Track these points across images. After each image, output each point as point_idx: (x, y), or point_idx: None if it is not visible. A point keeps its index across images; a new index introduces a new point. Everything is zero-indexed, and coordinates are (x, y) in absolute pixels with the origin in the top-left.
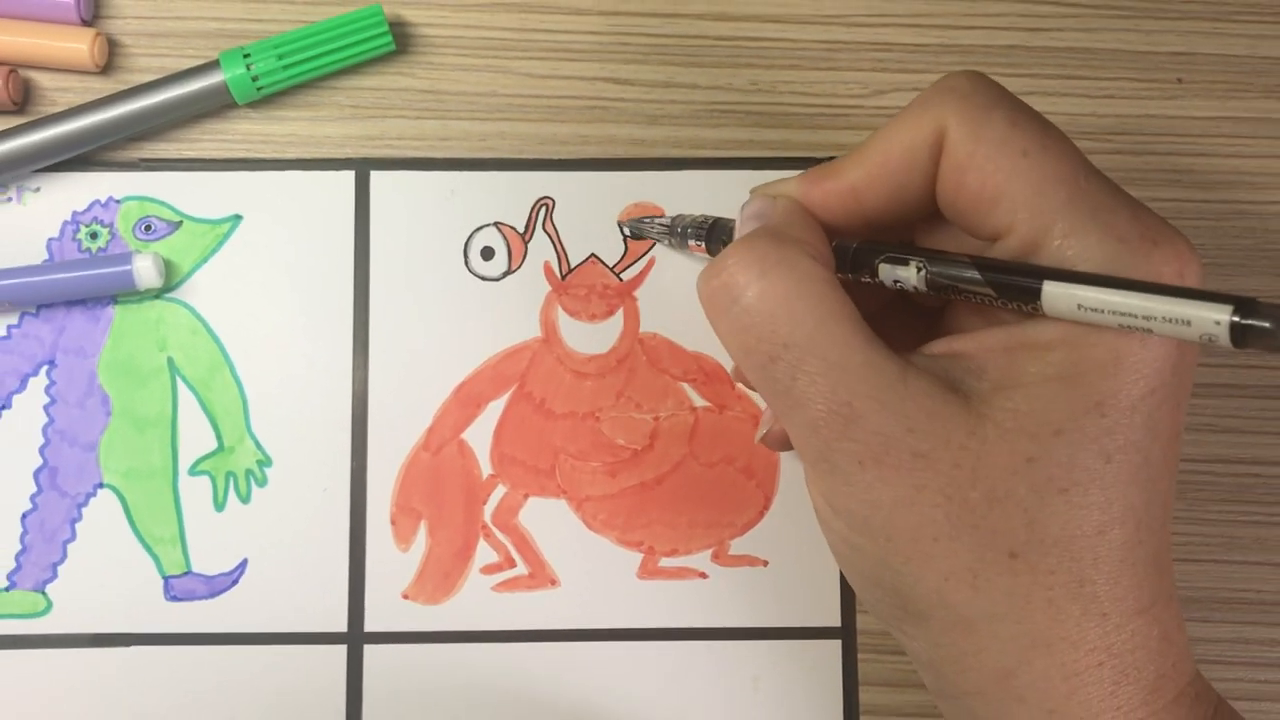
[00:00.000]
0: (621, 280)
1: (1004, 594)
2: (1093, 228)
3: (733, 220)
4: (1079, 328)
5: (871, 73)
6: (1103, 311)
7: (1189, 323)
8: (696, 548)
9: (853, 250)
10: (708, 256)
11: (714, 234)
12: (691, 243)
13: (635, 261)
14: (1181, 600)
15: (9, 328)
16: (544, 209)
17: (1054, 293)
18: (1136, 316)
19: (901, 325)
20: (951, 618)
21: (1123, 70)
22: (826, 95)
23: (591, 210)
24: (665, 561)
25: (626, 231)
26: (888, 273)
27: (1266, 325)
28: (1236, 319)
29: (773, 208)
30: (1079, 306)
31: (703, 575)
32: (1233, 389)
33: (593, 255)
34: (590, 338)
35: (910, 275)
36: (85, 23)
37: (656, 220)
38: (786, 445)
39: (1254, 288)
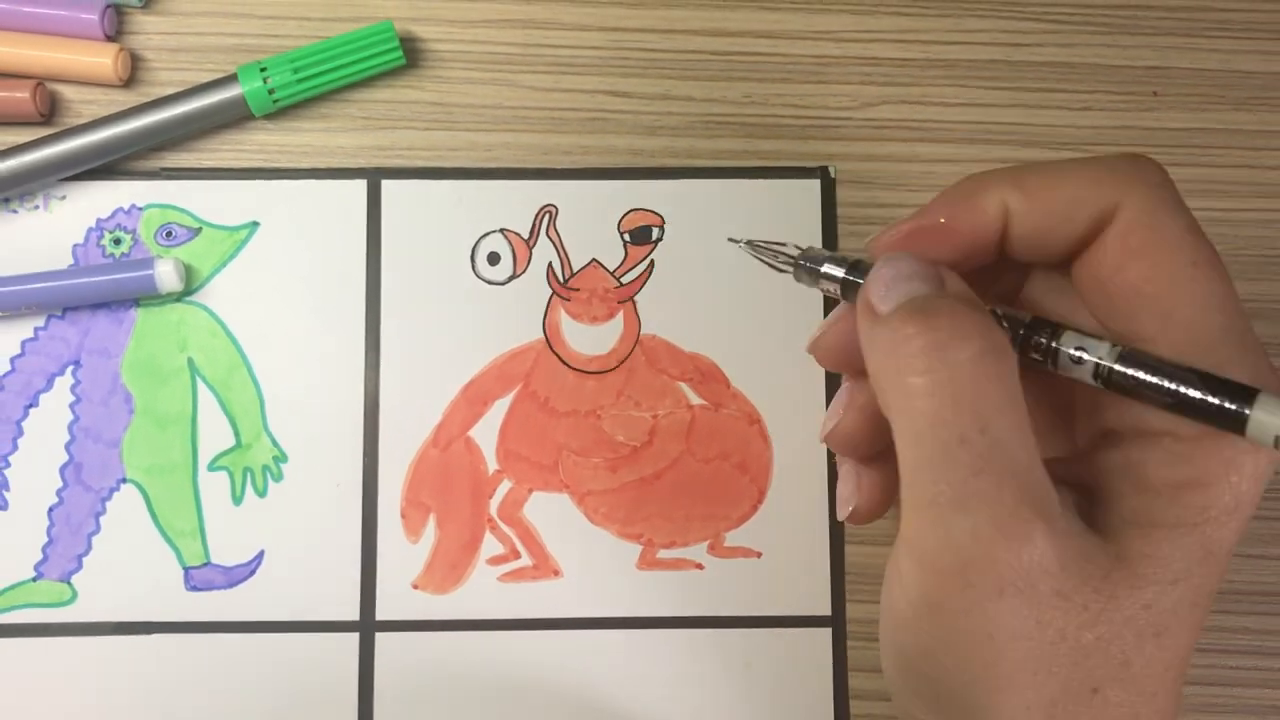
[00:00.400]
0: (622, 284)
1: None
2: (1244, 363)
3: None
4: (1221, 466)
5: (860, 86)
6: None
7: None
8: (693, 540)
9: (1023, 329)
10: (835, 294)
11: (855, 273)
12: (824, 285)
13: (635, 266)
14: None
15: (36, 330)
16: (547, 216)
17: (1262, 420)
18: None
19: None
20: None
21: (1100, 84)
22: (817, 107)
23: (593, 217)
24: (663, 553)
25: (748, 251)
26: (1065, 365)
27: None
28: None
29: (941, 278)
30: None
31: (699, 566)
32: None
33: (594, 260)
34: (592, 339)
35: (1085, 377)
36: (109, 38)
37: (782, 246)
38: (876, 514)
39: None
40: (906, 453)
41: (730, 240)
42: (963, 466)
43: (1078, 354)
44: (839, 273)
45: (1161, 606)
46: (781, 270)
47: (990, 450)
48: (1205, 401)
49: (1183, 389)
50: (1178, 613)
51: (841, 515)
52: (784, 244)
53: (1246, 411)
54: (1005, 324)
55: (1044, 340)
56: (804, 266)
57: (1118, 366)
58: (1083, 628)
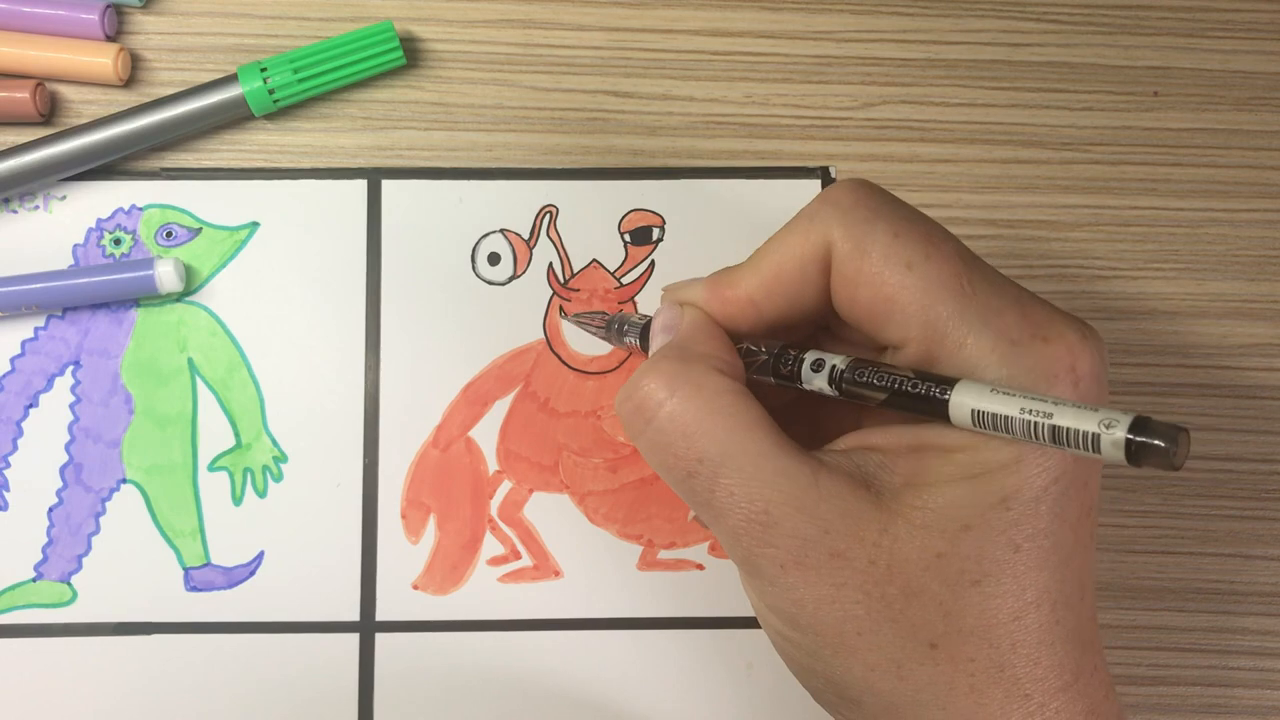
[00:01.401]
0: (622, 285)
1: (927, 682)
2: (984, 333)
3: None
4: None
5: (860, 86)
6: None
7: (1084, 446)
8: (694, 540)
9: (771, 357)
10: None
11: (645, 333)
12: (629, 340)
13: (635, 267)
14: (1158, 592)
15: (36, 330)
16: (548, 216)
17: (958, 414)
18: (1033, 439)
19: (814, 414)
20: (881, 704)
21: (1101, 84)
22: (818, 107)
23: (593, 218)
24: (664, 554)
25: (573, 323)
26: (807, 377)
27: (1160, 444)
28: (1131, 437)
29: (680, 319)
30: (976, 424)
31: (699, 567)
32: (1206, 389)
33: (594, 261)
34: (592, 340)
35: (823, 385)
36: (109, 39)
37: (595, 316)
38: None
39: (1227, 292)
40: (672, 489)
41: (560, 317)
42: (701, 493)
43: (814, 373)
44: (634, 335)
45: (963, 554)
46: (599, 337)
47: (715, 472)
48: (914, 396)
49: (896, 386)
50: (993, 558)
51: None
52: (596, 313)
53: (946, 398)
54: (763, 353)
55: (788, 364)
56: (611, 329)
57: (845, 376)
58: (881, 582)
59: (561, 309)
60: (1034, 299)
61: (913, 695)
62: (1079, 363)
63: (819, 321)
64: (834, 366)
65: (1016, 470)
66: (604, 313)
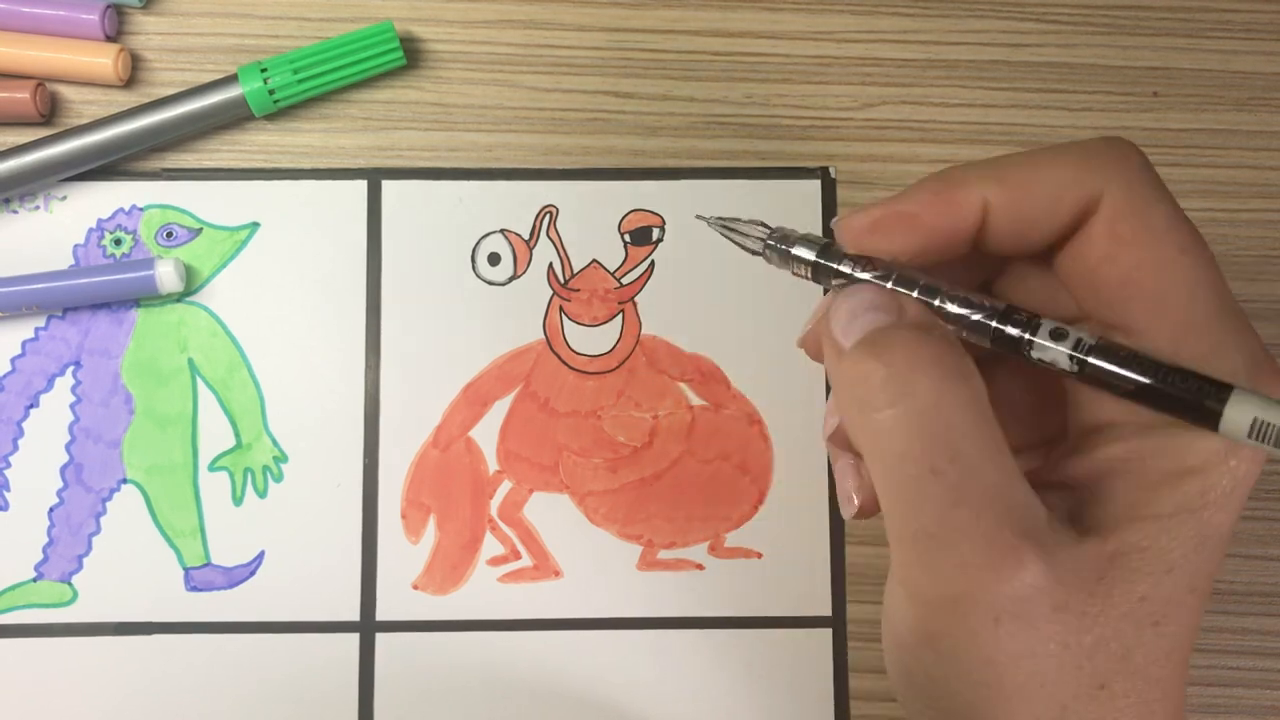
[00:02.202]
0: (622, 285)
1: None
2: (1238, 346)
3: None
4: (1219, 453)
5: (861, 86)
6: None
7: None
8: (694, 540)
9: (997, 314)
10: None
11: (826, 256)
12: (795, 268)
13: (635, 267)
14: None
15: (37, 330)
16: (548, 216)
17: (1233, 423)
18: None
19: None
20: None
21: (1101, 84)
22: (818, 108)
23: (593, 218)
24: (664, 554)
25: (717, 229)
26: (1040, 347)
27: None
28: None
29: (891, 302)
30: (1254, 433)
31: (699, 567)
32: None
33: (594, 261)
34: (592, 340)
35: (1061, 358)
36: (109, 39)
37: (749, 225)
38: (873, 511)
39: None
40: (880, 487)
41: (699, 218)
42: (938, 499)
43: (1053, 342)
44: (810, 255)
45: (1158, 597)
46: (752, 252)
47: (964, 479)
48: (1178, 396)
49: (1155, 382)
50: (1175, 600)
51: (846, 513)
52: (755, 223)
53: (1220, 408)
54: (979, 313)
55: (1019, 330)
56: (774, 247)
57: (1091, 359)
58: (1082, 632)
59: (707, 219)
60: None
61: None
62: None
63: (996, 264)
64: (1080, 339)
65: (1227, 506)
66: (764, 224)
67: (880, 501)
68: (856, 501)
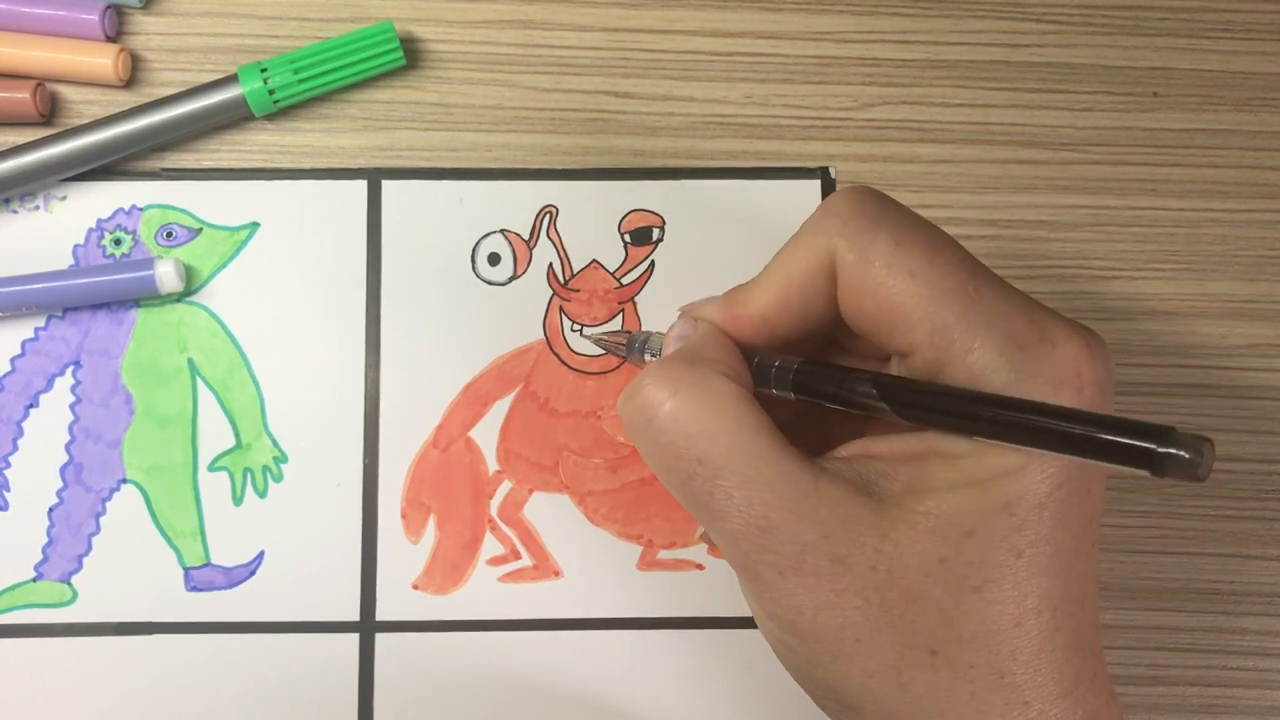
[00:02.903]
0: (622, 285)
1: (927, 689)
2: (991, 338)
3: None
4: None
5: (861, 86)
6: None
7: (1104, 456)
8: (694, 540)
9: (773, 369)
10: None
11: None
12: (648, 357)
13: (635, 267)
14: (1157, 592)
15: (37, 330)
16: (548, 217)
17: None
18: (1048, 449)
19: (820, 427)
20: (880, 711)
21: (1101, 84)
22: (818, 108)
23: (593, 218)
24: (664, 554)
25: (595, 342)
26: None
27: (1185, 455)
28: (1155, 448)
29: (693, 330)
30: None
31: (699, 567)
32: (1205, 389)
33: (594, 261)
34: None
35: (870, 393)
36: (109, 39)
37: (615, 334)
38: None
39: (1227, 292)
40: (671, 493)
41: (573, 331)
42: (700, 495)
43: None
44: (655, 353)
45: (965, 559)
46: (621, 357)
47: (715, 474)
48: (913, 415)
49: (890, 415)
50: (996, 563)
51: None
52: (618, 331)
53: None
54: (784, 364)
55: (785, 380)
56: (633, 349)
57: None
58: (882, 588)
59: (581, 330)
60: (1039, 305)
61: (912, 702)
62: (1085, 369)
63: (830, 334)
64: (834, 384)
65: (1021, 476)
66: (628, 331)
67: None
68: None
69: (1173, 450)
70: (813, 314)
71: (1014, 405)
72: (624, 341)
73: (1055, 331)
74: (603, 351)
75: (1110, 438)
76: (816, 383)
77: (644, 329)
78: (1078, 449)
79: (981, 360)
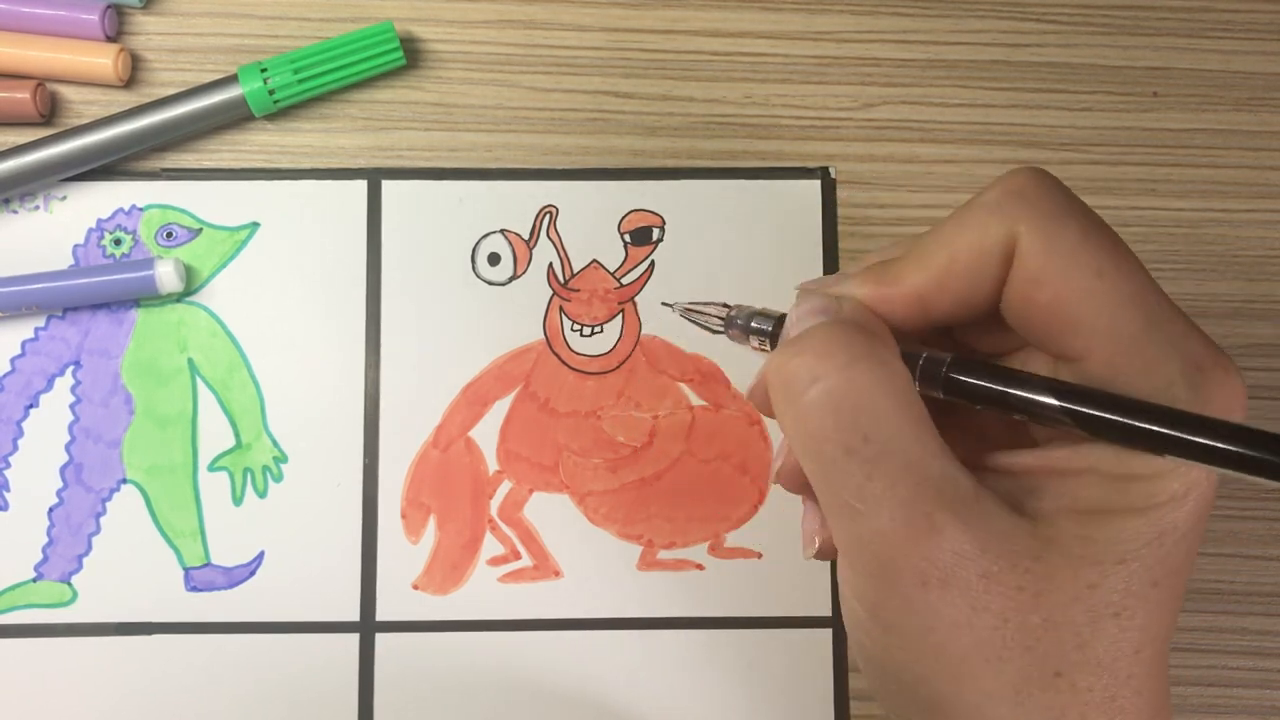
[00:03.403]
0: (622, 285)
1: (1042, 709)
2: (1174, 357)
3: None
4: (1161, 461)
5: (861, 86)
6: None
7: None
8: (694, 541)
9: (920, 361)
10: (766, 352)
11: (779, 327)
12: (754, 341)
13: (635, 267)
14: None
15: (37, 330)
16: (548, 216)
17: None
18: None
19: (951, 434)
20: None
21: (1101, 84)
22: (818, 108)
23: (593, 218)
24: (664, 554)
25: (681, 315)
26: (1022, 392)
27: None
28: None
29: (837, 308)
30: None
31: (699, 567)
32: None
33: (594, 261)
34: (592, 340)
35: (1047, 398)
36: (109, 39)
37: (711, 307)
38: (832, 554)
39: (1225, 292)
40: (807, 472)
41: (664, 304)
42: (854, 475)
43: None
44: (767, 327)
45: (1112, 586)
46: (714, 331)
47: (878, 455)
48: (1100, 428)
49: (1071, 425)
50: (1135, 592)
51: (807, 554)
52: (714, 304)
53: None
54: (937, 359)
55: (963, 377)
56: (735, 323)
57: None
58: (1025, 610)
59: (673, 305)
60: (1206, 335)
61: None
62: (1245, 406)
63: (977, 321)
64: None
65: (1181, 505)
66: (725, 304)
67: (813, 487)
68: (817, 542)
69: None
70: (972, 300)
71: (1214, 427)
72: (721, 315)
73: (1227, 361)
74: (605, 350)
75: None
76: (975, 381)
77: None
78: (1271, 473)
79: (1164, 376)
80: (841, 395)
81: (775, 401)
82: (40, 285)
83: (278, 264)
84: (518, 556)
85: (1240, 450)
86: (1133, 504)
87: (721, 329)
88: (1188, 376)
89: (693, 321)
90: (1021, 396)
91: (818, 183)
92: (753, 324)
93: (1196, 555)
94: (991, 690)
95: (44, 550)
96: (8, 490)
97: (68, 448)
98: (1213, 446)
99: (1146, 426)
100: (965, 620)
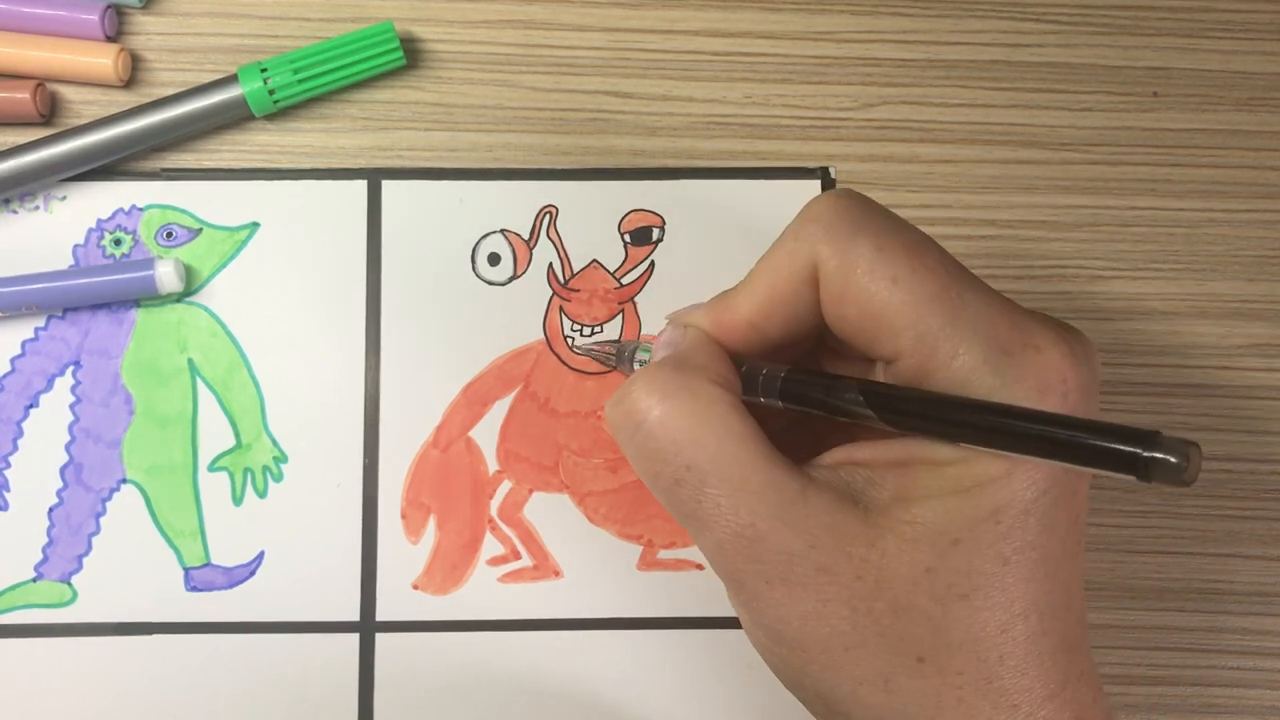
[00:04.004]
0: (622, 285)
1: (915, 696)
2: (975, 344)
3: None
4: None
5: (860, 86)
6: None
7: (1092, 463)
8: (693, 541)
9: (760, 377)
10: None
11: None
12: (636, 366)
13: (635, 267)
14: (1157, 592)
15: (37, 330)
16: (548, 217)
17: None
18: (1037, 455)
19: (808, 435)
20: (870, 717)
21: (1101, 84)
22: (817, 108)
23: (593, 218)
24: (664, 554)
25: (583, 354)
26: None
27: (1171, 460)
28: (1141, 452)
29: (682, 337)
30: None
31: (699, 567)
32: (1205, 389)
33: (594, 261)
34: (592, 340)
35: (856, 401)
36: (109, 39)
37: (604, 344)
38: None
39: (1227, 292)
40: (655, 497)
41: (575, 350)
42: (687, 501)
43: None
44: (646, 358)
45: (951, 567)
46: (610, 367)
47: (701, 480)
48: (899, 421)
49: (875, 421)
50: (982, 571)
51: None
52: (606, 341)
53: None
54: (772, 372)
55: (772, 388)
56: (623, 358)
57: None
58: (869, 598)
59: (571, 342)
60: (1023, 310)
61: (901, 709)
62: (1069, 373)
63: (821, 337)
64: (819, 390)
65: (1007, 483)
66: (616, 341)
67: None
68: None
69: (1158, 455)
70: (799, 320)
71: (998, 411)
72: (613, 351)
73: (1039, 336)
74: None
75: (1095, 443)
76: (803, 391)
77: (632, 338)
78: (1063, 455)
79: (966, 366)
80: (659, 432)
81: (618, 443)
82: (40, 285)
83: (278, 264)
84: (518, 556)
85: (1013, 428)
86: (956, 486)
87: (614, 364)
88: (991, 362)
89: (594, 359)
90: (838, 400)
91: (818, 183)
92: (635, 355)
93: (1071, 528)
94: (860, 677)
95: (44, 550)
96: (8, 490)
97: (68, 448)
98: (990, 429)
99: (931, 417)
100: (815, 612)
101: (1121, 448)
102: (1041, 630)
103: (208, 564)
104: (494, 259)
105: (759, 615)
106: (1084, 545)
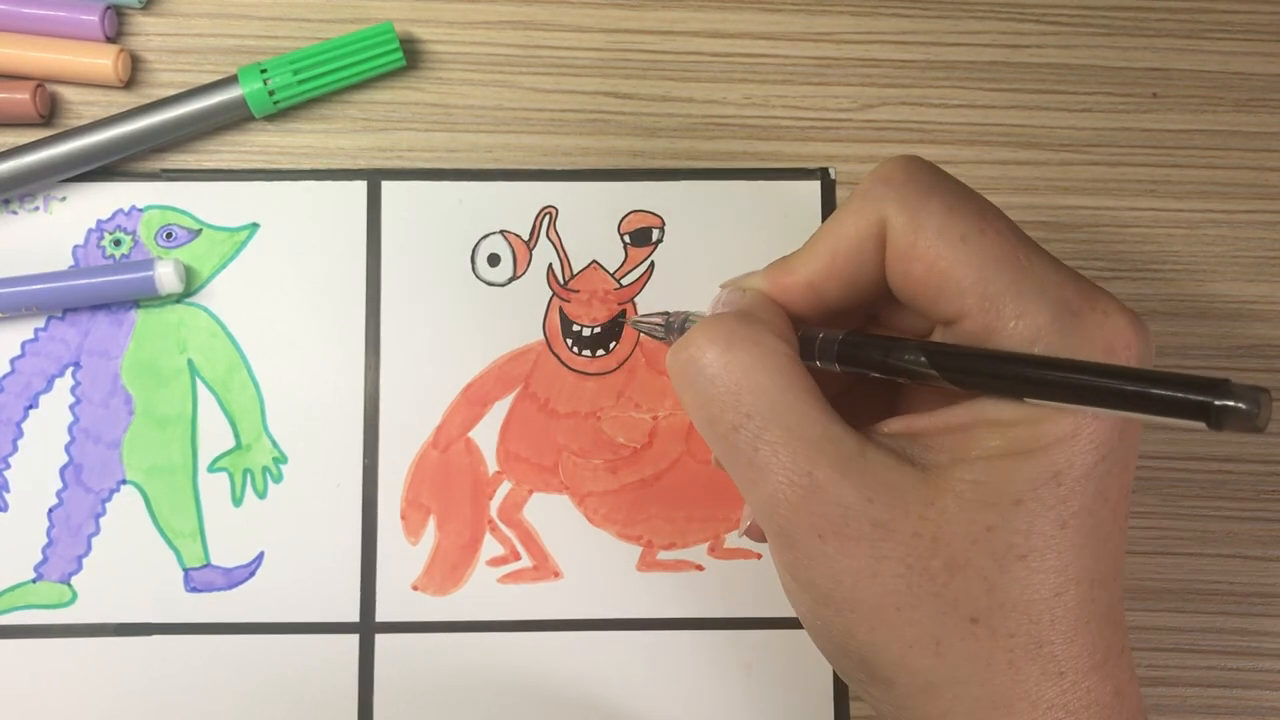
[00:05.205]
0: (622, 286)
1: (966, 658)
2: (1043, 304)
3: None
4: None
5: (860, 87)
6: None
7: (1164, 412)
8: (693, 541)
9: (818, 340)
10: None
11: None
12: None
13: (635, 268)
14: (1157, 592)
15: (36, 331)
16: (548, 217)
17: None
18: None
19: (865, 406)
20: (917, 683)
21: (1100, 85)
22: (817, 109)
23: (593, 218)
24: (663, 554)
25: (633, 327)
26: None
27: (1242, 407)
28: (1212, 400)
29: (741, 297)
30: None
31: (699, 568)
32: None
33: (594, 262)
34: (592, 340)
35: (919, 360)
36: (109, 40)
37: (653, 316)
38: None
39: (1226, 293)
40: (711, 448)
41: (622, 322)
42: (744, 447)
43: (899, 353)
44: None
45: (1012, 528)
46: (659, 339)
47: (760, 427)
48: (970, 381)
49: (943, 382)
50: (1041, 533)
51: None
52: (655, 313)
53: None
54: (830, 336)
55: (865, 351)
56: (673, 327)
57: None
58: (925, 555)
59: (624, 314)
60: (1086, 279)
61: (950, 672)
62: (1133, 340)
63: (873, 309)
64: (882, 352)
65: (1071, 444)
66: (665, 312)
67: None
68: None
69: (1229, 402)
70: (860, 281)
71: (1068, 366)
72: (661, 323)
73: (1107, 301)
74: (607, 351)
75: (1167, 393)
76: (862, 353)
77: (681, 309)
78: (1135, 405)
79: (1034, 326)
80: (722, 378)
81: (676, 391)
82: (40, 286)
83: (277, 265)
84: (517, 557)
85: (1084, 383)
86: (1020, 447)
87: (664, 335)
88: (1060, 322)
89: (642, 332)
90: (898, 361)
91: (817, 183)
92: (686, 324)
93: (1121, 500)
94: (911, 639)
95: (43, 551)
96: (7, 491)
97: (67, 448)
98: (1061, 384)
99: (999, 374)
100: (869, 570)
101: (1192, 397)
102: (1090, 598)
103: (207, 565)
104: (494, 260)
105: (807, 572)
106: (1128, 521)
